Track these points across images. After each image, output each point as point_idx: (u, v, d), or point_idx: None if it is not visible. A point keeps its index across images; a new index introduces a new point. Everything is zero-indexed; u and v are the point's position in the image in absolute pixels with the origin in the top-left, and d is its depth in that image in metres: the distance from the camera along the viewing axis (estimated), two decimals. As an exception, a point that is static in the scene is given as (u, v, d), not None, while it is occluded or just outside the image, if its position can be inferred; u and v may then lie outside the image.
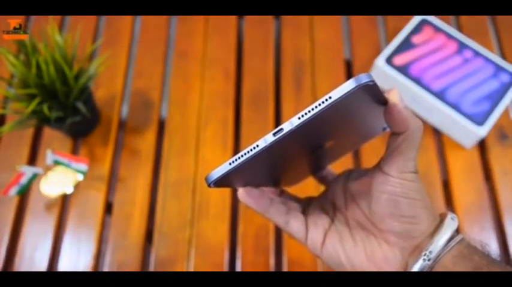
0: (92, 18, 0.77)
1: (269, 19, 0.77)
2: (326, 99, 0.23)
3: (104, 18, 0.77)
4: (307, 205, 0.36)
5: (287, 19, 0.77)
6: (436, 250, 0.28)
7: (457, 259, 0.27)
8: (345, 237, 0.32)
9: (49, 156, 0.58)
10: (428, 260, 0.27)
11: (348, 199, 0.33)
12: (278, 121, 0.69)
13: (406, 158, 0.28)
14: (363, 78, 0.22)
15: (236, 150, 0.67)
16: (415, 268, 0.28)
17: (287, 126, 0.24)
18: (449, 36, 0.69)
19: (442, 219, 0.30)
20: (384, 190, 0.28)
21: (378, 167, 0.30)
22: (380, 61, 0.67)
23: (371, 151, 0.65)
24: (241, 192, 0.32)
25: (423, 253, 0.28)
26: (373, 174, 0.30)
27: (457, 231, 0.29)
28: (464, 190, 0.63)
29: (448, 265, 0.27)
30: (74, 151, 0.66)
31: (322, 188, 0.41)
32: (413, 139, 0.27)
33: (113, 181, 0.65)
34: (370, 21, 0.76)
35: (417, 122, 0.27)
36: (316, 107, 0.23)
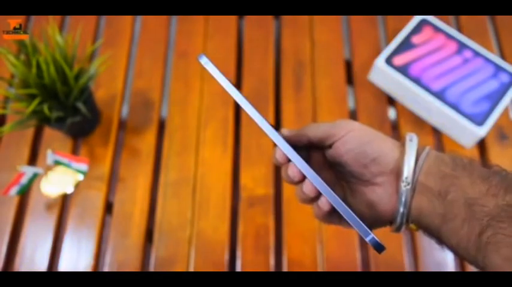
0: (92, 19, 0.77)
1: (269, 19, 0.77)
2: None
3: (104, 19, 0.77)
4: None
5: (287, 19, 0.77)
6: (410, 174, 0.30)
7: (427, 174, 0.30)
8: (346, 193, 0.35)
9: (49, 156, 0.58)
10: (408, 184, 0.30)
11: (332, 171, 0.37)
12: (278, 121, 0.69)
13: (334, 134, 0.33)
14: None
15: (236, 150, 0.67)
16: (403, 196, 0.30)
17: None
18: (449, 37, 0.69)
19: (403, 143, 0.32)
20: (347, 153, 0.33)
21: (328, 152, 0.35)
22: (380, 61, 0.67)
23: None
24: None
25: (402, 181, 0.30)
26: (333, 151, 0.34)
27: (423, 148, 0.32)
28: (464, 189, 0.63)
29: (423, 181, 0.30)
30: (74, 151, 0.66)
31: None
32: (315, 128, 0.34)
33: (113, 180, 0.65)
34: (370, 21, 0.77)
35: (302, 130, 0.35)
36: None
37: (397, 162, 0.31)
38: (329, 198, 0.29)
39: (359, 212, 0.34)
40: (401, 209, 0.31)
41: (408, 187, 0.30)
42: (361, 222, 0.29)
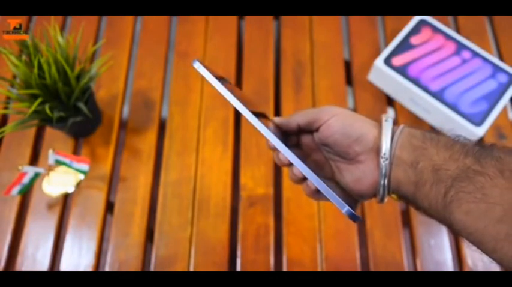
0: (93, 19, 0.77)
1: (269, 19, 0.77)
2: None
3: (105, 19, 0.78)
4: None
5: (287, 19, 0.77)
6: (388, 150, 0.34)
7: (402, 148, 0.34)
8: (335, 171, 0.39)
9: (51, 156, 0.58)
10: (386, 159, 0.33)
11: (321, 153, 0.40)
12: (278, 121, 0.70)
13: (319, 119, 0.37)
14: None
15: (236, 150, 0.67)
16: (383, 170, 0.34)
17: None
18: (448, 37, 0.70)
19: (380, 124, 0.36)
20: (333, 135, 0.36)
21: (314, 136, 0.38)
22: (379, 62, 0.68)
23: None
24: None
25: (381, 157, 0.34)
26: (320, 135, 0.37)
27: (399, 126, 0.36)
28: (462, 189, 0.63)
29: (398, 155, 0.34)
30: (76, 151, 0.67)
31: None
32: (302, 115, 0.37)
33: (114, 180, 0.65)
34: (369, 22, 0.77)
35: (291, 117, 0.38)
36: None
37: (376, 140, 0.35)
38: (309, 177, 0.34)
39: (346, 188, 0.37)
40: (382, 182, 0.34)
41: (387, 161, 0.33)
42: (336, 196, 0.33)
